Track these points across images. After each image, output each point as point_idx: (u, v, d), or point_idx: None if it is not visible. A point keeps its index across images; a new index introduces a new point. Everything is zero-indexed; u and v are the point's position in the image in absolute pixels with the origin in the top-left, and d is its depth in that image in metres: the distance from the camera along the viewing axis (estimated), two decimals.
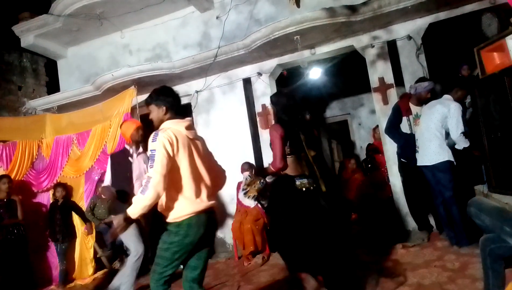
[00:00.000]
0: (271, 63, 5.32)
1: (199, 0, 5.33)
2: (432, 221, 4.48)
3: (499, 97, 3.29)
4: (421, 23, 4.65)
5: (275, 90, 5.50)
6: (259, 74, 5.35)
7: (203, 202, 2.31)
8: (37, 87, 7.22)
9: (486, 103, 3.52)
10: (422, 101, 4.16)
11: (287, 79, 5.79)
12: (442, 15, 4.58)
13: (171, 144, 2.18)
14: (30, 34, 5.97)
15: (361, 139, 8.19)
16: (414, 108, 4.23)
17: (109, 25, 5.77)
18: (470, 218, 2.39)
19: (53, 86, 7.10)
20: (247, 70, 5.45)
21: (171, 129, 2.26)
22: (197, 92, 5.65)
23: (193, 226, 2.25)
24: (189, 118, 2.48)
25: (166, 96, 2.44)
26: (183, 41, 5.78)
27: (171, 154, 2.16)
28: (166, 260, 2.28)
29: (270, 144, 2.95)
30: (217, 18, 5.52)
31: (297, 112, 3.10)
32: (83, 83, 6.12)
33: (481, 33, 4.44)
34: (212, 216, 2.39)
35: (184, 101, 5.76)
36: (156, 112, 2.44)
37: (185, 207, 2.26)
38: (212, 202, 2.38)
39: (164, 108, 2.41)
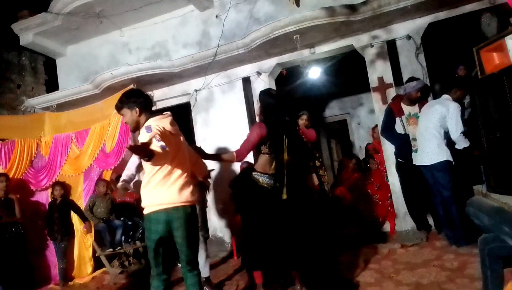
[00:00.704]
0: (270, 62, 5.32)
1: None
2: (430, 221, 4.49)
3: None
4: (421, 22, 4.65)
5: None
6: (259, 73, 5.35)
7: (179, 198, 2.34)
8: (36, 86, 7.19)
9: (485, 103, 3.51)
10: (413, 101, 4.22)
11: (286, 78, 5.79)
12: (441, 15, 4.58)
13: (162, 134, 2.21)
14: (29, 32, 5.96)
15: (360, 139, 8.20)
16: (406, 108, 4.29)
17: (109, 24, 5.76)
18: (468, 217, 2.39)
19: (52, 85, 7.08)
20: (247, 69, 5.45)
21: (158, 125, 2.26)
22: (196, 91, 5.65)
23: (159, 221, 2.30)
24: (169, 113, 2.49)
25: (137, 98, 2.45)
26: (182, 39, 5.77)
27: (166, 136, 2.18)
28: (150, 253, 2.37)
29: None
30: (216, 17, 5.51)
31: (283, 114, 3.07)
32: (82, 81, 6.11)
33: (480, 33, 4.44)
34: (186, 212, 2.40)
35: (183, 100, 5.82)
36: (129, 115, 2.44)
37: (154, 200, 2.31)
38: (189, 199, 2.40)
39: (137, 109, 2.42)
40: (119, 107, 2.48)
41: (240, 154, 2.94)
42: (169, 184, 2.33)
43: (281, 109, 3.06)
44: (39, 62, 7.31)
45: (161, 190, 2.32)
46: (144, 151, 2.03)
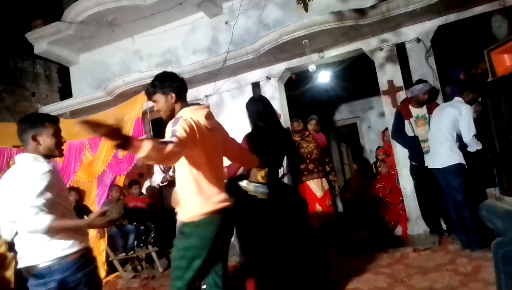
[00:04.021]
0: (279, 67, 5.35)
1: (208, 5, 5.39)
2: (443, 225, 4.45)
3: (510, 99, 3.26)
4: (430, 25, 4.64)
5: (284, 94, 5.53)
6: (268, 78, 5.38)
7: (223, 200, 2.08)
8: (50, 93, 7.35)
9: (497, 105, 3.48)
10: (421, 103, 4.22)
11: (295, 83, 5.81)
12: (451, 17, 4.56)
13: (193, 128, 1.90)
14: (43, 41, 6.10)
15: (370, 142, 8.17)
16: (414, 111, 4.32)
17: (120, 32, 5.87)
18: (482, 221, 2.37)
19: (65, 92, 7.23)
20: (256, 74, 5.48)
21: (191, 118, 1.96)
22: (206, 96, 5.70)
23: (211, 226, 2.01)
24: (206, 104, 2.18)
25: (172, 81, 2.11)
26: (192, 46, 5.84)
27: (192, 135, 1.86)
28: (183, 270, 2.00)
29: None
30: (226, 23, 5.57)
31: (273, 118, 3.06)
32: (95, 88, 6.22)
33: (491, 35, 4.41)
34: (230, 216, 2.15)
35: None
36: (163, 101, 2.10)
37: (204, 204, 2.00)
38: (231, 201, 2.14)
39: (174, 94, 2.09)
40: (150, 92, 2.13)
41: (231, 170, 2.87)
42: (213, 183, 2.05)
43: (270, 113, 3.06)
44: (53, 70, 7.47)
45: (208, 191, 2.02)
46: (111, 135, 1.48)
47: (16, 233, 1.96)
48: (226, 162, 2.44)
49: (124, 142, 1.52)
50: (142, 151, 1.56)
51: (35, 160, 1.95)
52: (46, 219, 1.77)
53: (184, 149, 1.81)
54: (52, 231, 1.81)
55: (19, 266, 1.93)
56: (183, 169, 2.03)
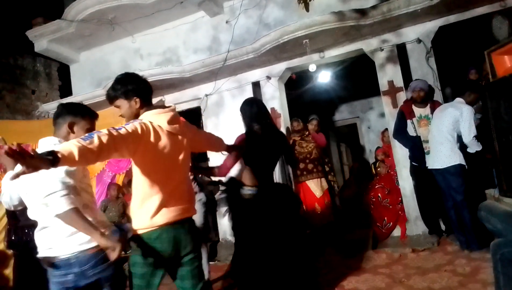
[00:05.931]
0: (280, 67, 5.35)
1: (209, 5, 5.39)
2: (442, 225, 4.45)
3: (510, 101, 3.26)
4: (431, 26, 4.64)
5: (284, 94, 5.54)
6: (268, 77, 5.38)
7: (178, 211, 1.88)
8: (50, 91, 7.36)
9: (497, 107, 3.49)
10: (420, 101, 4.24)
11: (296, 83, 5.81)
12: (452, 18, 4.56)
13: (145, 130, 1.74)
14: (44, 39, 6.10)
15: (370, 143, 8.18)
16: (417, 110, 4.33)
17: (121, 30, 5.86)
18: (481, 222, 2.38)
19: (65, 90, 7.24)
20: (256, 74, 5.49)
21: (151, 122, 1.82)
22: (206, 95, 5.71)
23: (157, 242, 1.82)
24: (172, 108, 1.96)
25: (136, 84, 1.91)
26: (193, 45, 5.84)
27: (139, 135, 1.71)
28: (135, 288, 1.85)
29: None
30: (226, 22, 5.57)
31: (267, 119, 3.06)
32: (95, 87, 6.22)
33: (491, 36, 4.41)
34: (186, 229, 1.94)
35: (194, 104, 5.88)
36: (127, 107, 1.90)
37: (151, 216, 1.80)
38: (190, 211, 1.98)
39: (138, 99, 1.89)
40: (112, 96, 1.92)
41: (222, 171, 2.82)
42: (168, 192, 1.85)
43: (265, 115, 3.06)
44: (53, 68, 7.48)
45: (159, 201, 1.82)
46: (34, 165, 1.34)
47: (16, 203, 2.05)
48: (218, 162, 2.43)
49: (52, 159, 1.34)
50: (76, 154, 1.38)
51: (59, 143, 1.91)
52: (68, 205, 1.71)
53: (120, 145, 1.61)
54: (67, 219, 1.74)
55: (39, 255, 1.94)
56: (135, 176, 1.85)
